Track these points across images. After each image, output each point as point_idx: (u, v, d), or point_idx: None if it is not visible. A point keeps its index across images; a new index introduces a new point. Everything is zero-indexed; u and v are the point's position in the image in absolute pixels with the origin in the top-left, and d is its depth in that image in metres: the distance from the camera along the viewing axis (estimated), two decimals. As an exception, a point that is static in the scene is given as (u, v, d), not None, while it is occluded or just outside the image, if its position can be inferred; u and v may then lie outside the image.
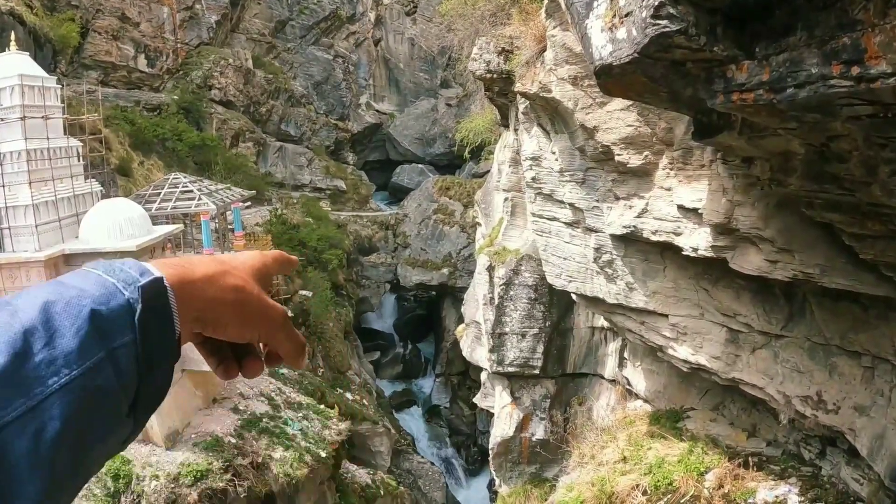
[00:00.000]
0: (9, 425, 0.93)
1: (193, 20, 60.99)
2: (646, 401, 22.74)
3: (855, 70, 5.39)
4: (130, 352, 1.07)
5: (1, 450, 0.92)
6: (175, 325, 1.15)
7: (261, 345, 1.40)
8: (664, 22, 6.36)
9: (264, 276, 1.38)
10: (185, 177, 37.21)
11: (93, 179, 30.53)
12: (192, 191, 34.93)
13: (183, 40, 60.10)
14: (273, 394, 29.55)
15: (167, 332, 1.13)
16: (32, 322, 1.00)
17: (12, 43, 27.81)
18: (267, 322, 1.34)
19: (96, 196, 29.49)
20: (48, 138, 26.82)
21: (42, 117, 26.58)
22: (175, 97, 56.57)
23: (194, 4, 60.71)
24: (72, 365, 0.99)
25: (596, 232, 17.87)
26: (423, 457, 46.82)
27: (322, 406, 31.62)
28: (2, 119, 25.84)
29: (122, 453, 22.29)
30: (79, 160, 29.21)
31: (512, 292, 25.40)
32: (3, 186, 25.48)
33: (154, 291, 1.12)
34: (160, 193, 34.92)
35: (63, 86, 29.87)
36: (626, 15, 6.97)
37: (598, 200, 17.39)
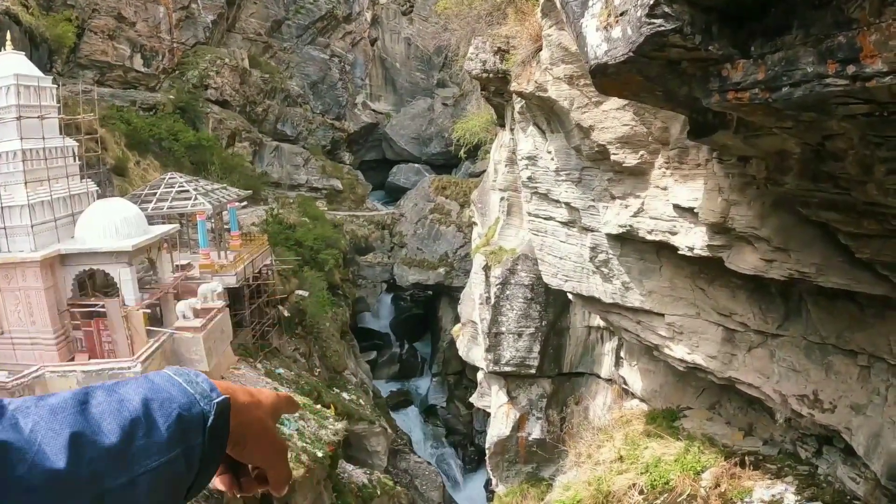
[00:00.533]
0: (111, 492, 1.18)
1: (189, 20, 60.97)
2: (642, 400, 22.75)
3: (850, 69, 5.39)
4: (197, 451, 1.35)
5: None
6: (228, 436, 1.44)
7: (250, 467, 1.68)
8: (659, 21, 6.36)
9: (277, 413, 1.68)
10: (181, 177, 37.19)
11: (89, 179, 30.50)
12: (188, 191, 34.92)
13: (179, 40, 60.09)
14: (269, 394, 29.50)
15: (223, 440, 1.42)
16: (138, 413, 1.28)
17: (8, 43, 27.78)
18: (273, 451, 1.62)
19: (92, 196, 29.47)
20: (44, 138, 26.81)
21: (38, 117, 26.56)
22: (171, 97, 56.54)
23: (190, 4, 60.69)
24: (161, 454, 1.27)
25: (592, 231, 17.87)
26: (419, 456, 46.83)
27: (318, 406, 31.63)
28: (-3, 119, 25.83)
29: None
30: (75, 160, 29.21)
31: (508, 292, 25.39)
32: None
33: (222, 409, 1.41)
34: (156, 193, 34.90)
35: (59, 85, 29.83)
36: (621, 14, 6.96)
37: (594, 200, 17.38)
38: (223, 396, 1.42)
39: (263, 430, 1.58)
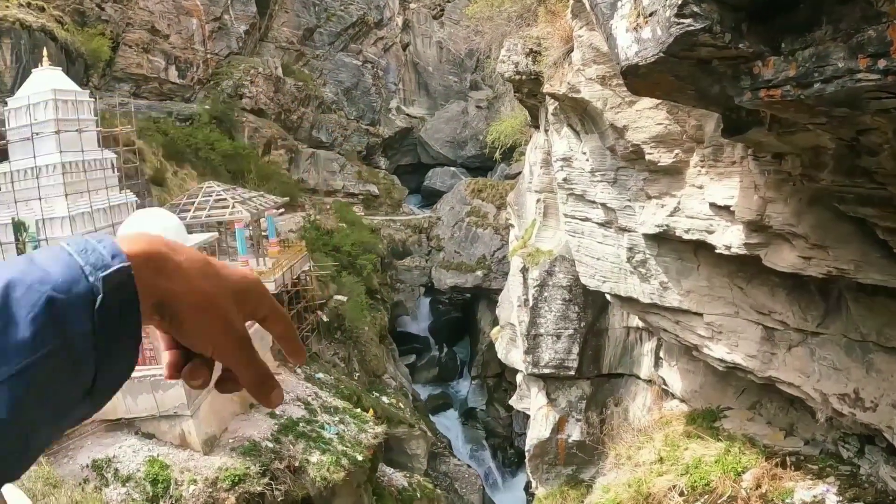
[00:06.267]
0: None
1: (222, 30, 61.48)
2: (682, 400, 22.59)
3: (881, 63, 5.35)
4: (88, 340, 1.03)
5: None
6: (139, 313, 1.10)
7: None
8: (688, 21, 6.35)
9: (240, 294, 1.26)
10: (218, 185, 37.48)
11: (128, 190, 30.92)
12: (225, 199, 35.21)
13: (212, 51, 60.61)
14: (309, 398, 29.74)
15: (130, 320, 1.09)
16: None
17: (45, 59, 28.34)
18: (223, 339, 1.23)
19: (131, 206, 29.85)
20: (83, 151, 27.24)
21: (76, 130, 27.00)
22: (206, 107, 57.02)
23: (223, 15, 61.21)
24: (24, 354, 0.97)
25: (629, 231, 17.81)
26: (459, 459, 46.85)
27: (358, 410, 31.76)
28: (37, 133, 26.29)
29: (160, 458, 22.38)
30: (113, 171, 29.63)
31: (546, 293, 25.33)
32: (40, 199, 25.90)
33: (118, 281, 1.06)
34: (194, 202, 35.22)
35: (96, 99, 30.31)
36: (651, 14, 6.96)
37: (629, 200, 17.32)
38: (120, 265, 1.07)
39: (204, 306, 1.19)
